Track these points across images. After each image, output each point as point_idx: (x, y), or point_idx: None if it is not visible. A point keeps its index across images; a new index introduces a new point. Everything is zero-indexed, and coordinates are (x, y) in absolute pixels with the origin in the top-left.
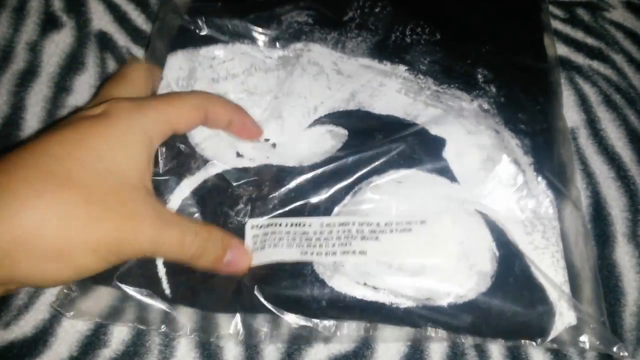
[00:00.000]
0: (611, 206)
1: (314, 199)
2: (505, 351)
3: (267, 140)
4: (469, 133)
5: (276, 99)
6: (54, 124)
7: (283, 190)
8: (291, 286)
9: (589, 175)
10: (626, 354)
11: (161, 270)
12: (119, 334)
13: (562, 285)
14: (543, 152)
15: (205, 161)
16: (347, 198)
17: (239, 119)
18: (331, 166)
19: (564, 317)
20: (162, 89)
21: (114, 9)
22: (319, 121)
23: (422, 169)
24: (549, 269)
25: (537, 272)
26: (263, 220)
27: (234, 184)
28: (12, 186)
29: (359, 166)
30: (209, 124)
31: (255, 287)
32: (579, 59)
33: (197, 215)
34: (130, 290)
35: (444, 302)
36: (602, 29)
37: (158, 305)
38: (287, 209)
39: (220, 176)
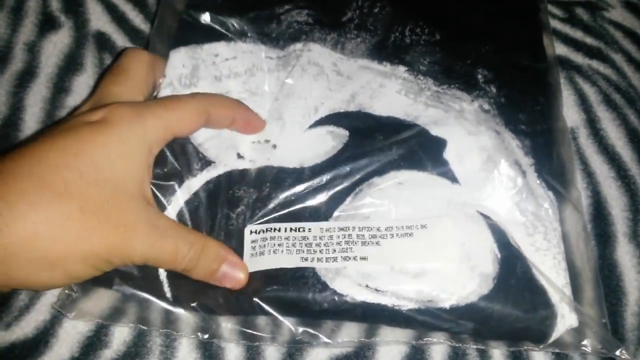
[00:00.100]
0: (612, 206)
1: (315, 201)
2: (506, 351)
3: (267, 141)
4: (469, 134)
5: (277, 100)
6: (52, 125)
7: (284, 191)
8: (293, 288)
9: (589, 175)
10: (628, 357)
11: (162, 274)
12: (120, 335)
13: (563, 288)
14: (543, 153)
15: (208, 162)
16: (348, 199)
17: (242, 116)
18: (332, 167)
19: (565, 320)
20: (164, 87)
21: (112, 9)
22: (320, 122)
23: (423, 170)
24: (550, 270)
25: (538, 274)
26: (262, 225)
27: (235, 186)
28: (8, 197)
29: (360, 167)
30: (211, 125)
31: (256, 292)
32: (579, 58)
33: (198, 217)
34: (131, 292)
35: (446, 305)
36: (602, 29)
37: (159, 306)
38: (287, 210)
39: (222, 178)
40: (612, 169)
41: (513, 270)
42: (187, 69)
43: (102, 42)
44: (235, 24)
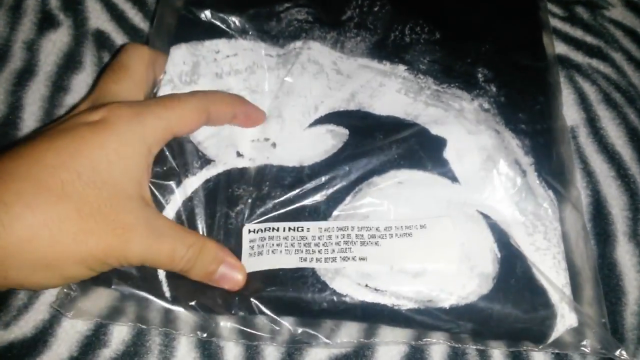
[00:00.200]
0: (611, 205)
1: (315, 200)
2: (505, 351)
3: (267, 139)
4: (469, 133)
5: (276, 98)
6: (51, 124)
7: (283, 190)
8: (292, 288)
9: (589, 174)
10: (627, 358)
11: (161, 273)
12: (119, 334)
13: (563, 287)
14: (543, 153)
15: (207, 161)
16: (348, 198)
17: (242, 111)
18: (332, 166)
19: (565, 319)
20: (164, 84)
21: (111, 7)
22: (320, 121)
23: (423, 170)
24: (550, 270)
25: (538, 274)
26: (260, 225)
27: (235, 184)
28: (5, 199)
29: (360, 166)
30: (212, 122)
31: (255, 292)
32: (579, 57)
33: (197, 216)
34: (130, 292)
35: (445, 304)
36: (602, 27)
37: (158, 305)
38: (287, 209)
39: (221, 176)
40: (612, 168)
41: (513, 270)
42: (187, 65)
43: (101, 40)
44: (236, 21)
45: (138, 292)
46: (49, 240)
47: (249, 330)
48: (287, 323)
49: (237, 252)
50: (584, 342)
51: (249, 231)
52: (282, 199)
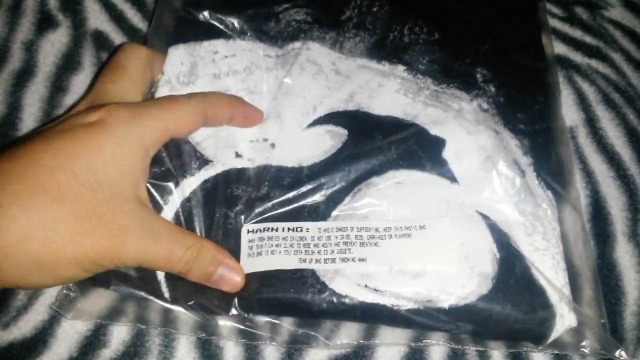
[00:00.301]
0: (611, 205)
1: (314, 200)
2: (505, 351)
3: (266, 140)
4: (468, 133)
5: (275, 99)
6: (48, 124)
7: (282, 190)
8: (292, 289)
9: (588, 174)
10: (627, 358)
11: (160, 274)
12: (119, 335)
13: (562, 288)
14: (542, 153)
15: (206, 161)
16: (347, 199)
17: (240, 111)
18: (331, 167)
19: (564, 320)
20: (162, 85)
21: (110, 8)
22: (318, 121)
23: (422, 170)
24: (549, 270)
25: (537, 274)
26: (259, 225)
27: (233, 185)
28: (1, 201)
29: (359, 167)
30: (210, 123)
31: (255, 292)
32: (578, 57)
33: (196, 216)
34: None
35: (445, 305)
36: (601, 28)
37: (158, 305)
38: (286, 209)
39: (220, 177)
40: (611, 169)
41: (512, 270)
42: (185, 66)
43: (100, 40)
44: (234, 22)
45: (137, 292)
46: (44, 242)
47: (248, 329)
48: (286, 323)
49: (236, 253)
50: (584, 343)
51: (248, 231)
52: (281, 199)
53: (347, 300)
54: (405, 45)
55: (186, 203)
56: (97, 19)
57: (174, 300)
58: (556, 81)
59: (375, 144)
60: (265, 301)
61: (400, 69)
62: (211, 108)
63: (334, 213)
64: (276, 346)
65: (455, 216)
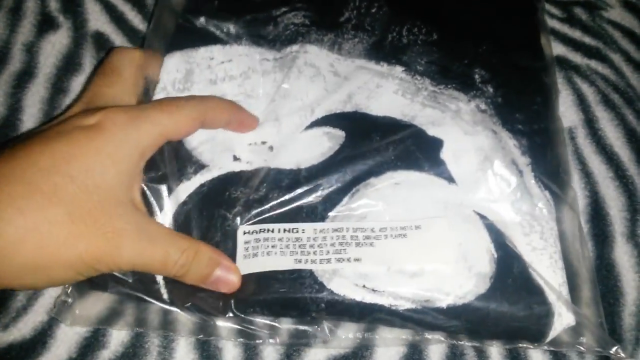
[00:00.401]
0: (610, 206)
1: (311, 201)
2: (504, 351)
3: (264, 143)
4: (466, 134)
5: (273, 101)
6: (46, 124)
7: (280, 192)
8: (290, 289)
9: (587, 175)
10: (624, 355)
11: (159, 276)
12: (118, 336)
13: (560, 287)
14: (540, 153)
15: (202, 166)
16: (345, 199)
17: (236, 117)
18: (328, 168)
19: (562, 318)
20: (158, 92)
21: (111, 9)
22: (316, 123)
23: (420, 171)
24: (547, 270)
25: (535, 274)
26: (255, 226)
27: (231, 187)
28: None
29: (356, 168)
30: (206, 127)
31: (254, 293)
32: (577, 58)
33: (193, 219)
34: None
35: (443, 304)
36: (600, 28)
37: (157, 307)
38: (284, 210)
39: (217, 180)
40: (610, 169)
41: (510, 269)
42: (180, 73)
43: (101, 42)
44: (231, 27)
45: (135, 294)
46: (39, 245)
47: (247, 330)
48: (285, 324)
49: (235, 255)
50: (581, 340)
51: (244, 232)
52: (278, 200)
53: (345, 300)
54: (403, 46)
55: (183, 206)
56: (97, 20)
57: (172, 302)
58: (554, 81)
59: (372, 145)
60: (263, 302)
61: (398, 69)
62: (209, 112)
63: (331, 214)
64: (275, 346)
65: (452, 216)
